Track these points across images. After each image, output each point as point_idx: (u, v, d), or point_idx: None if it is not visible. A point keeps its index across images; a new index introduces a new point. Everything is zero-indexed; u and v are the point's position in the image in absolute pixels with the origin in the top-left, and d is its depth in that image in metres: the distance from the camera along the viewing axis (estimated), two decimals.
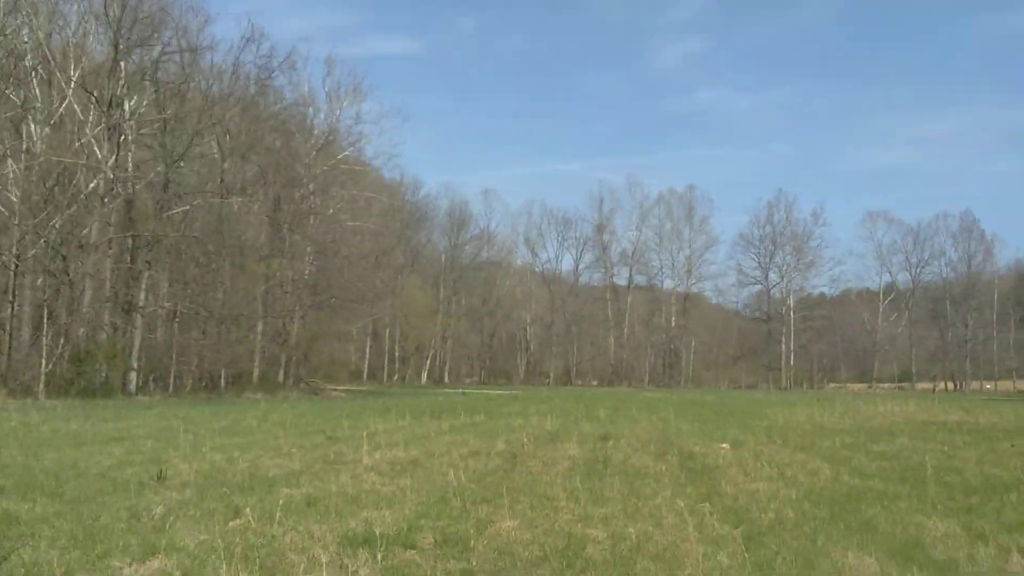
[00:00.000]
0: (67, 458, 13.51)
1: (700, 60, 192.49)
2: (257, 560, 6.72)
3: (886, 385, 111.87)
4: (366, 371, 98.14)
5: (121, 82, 47.25)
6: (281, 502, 8.90)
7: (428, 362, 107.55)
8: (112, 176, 46.05)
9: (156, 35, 49.78)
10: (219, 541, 7.29)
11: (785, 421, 28.53)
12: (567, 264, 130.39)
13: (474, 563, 6.84)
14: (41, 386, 40.61)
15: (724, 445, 18.56)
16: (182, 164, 52.01)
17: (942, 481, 12.86)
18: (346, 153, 72.91)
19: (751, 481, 12.54)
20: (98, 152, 46.06)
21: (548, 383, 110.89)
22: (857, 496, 11.35)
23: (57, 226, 43.80)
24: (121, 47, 46.77)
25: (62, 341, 43.38)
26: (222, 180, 55.69)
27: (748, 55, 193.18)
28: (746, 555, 7.44)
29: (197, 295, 52.41)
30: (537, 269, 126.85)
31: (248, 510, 8.26)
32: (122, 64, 47.30)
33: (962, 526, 9.15)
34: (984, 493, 11.82)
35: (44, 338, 41.99)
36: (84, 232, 45.71)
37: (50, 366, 41.88)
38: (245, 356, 57.58)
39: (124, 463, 12.96)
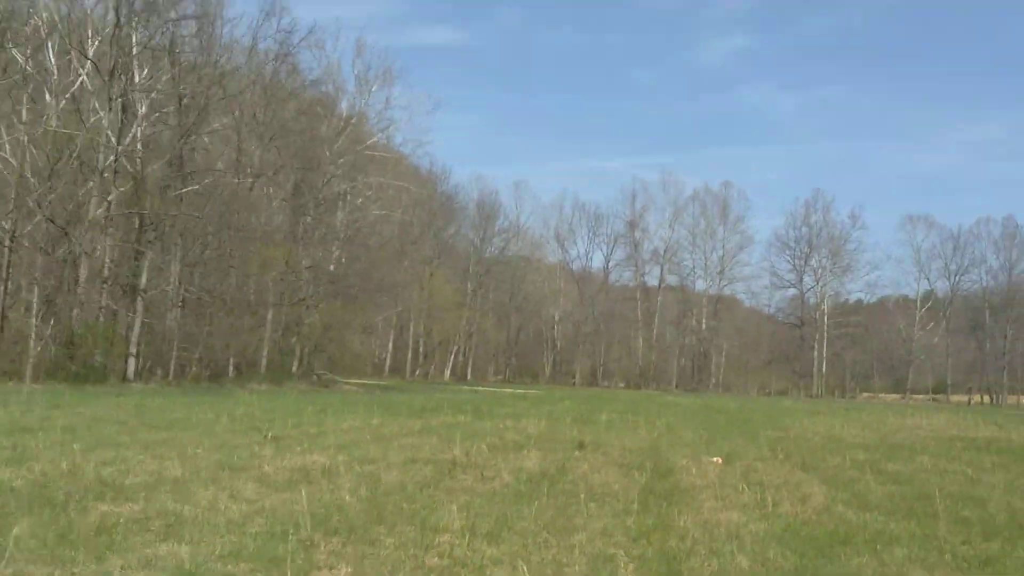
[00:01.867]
0: None
1: (745, 57, 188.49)
2: None
3: (920, 396, 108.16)
4: (388, 365, 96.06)
5: (133, 51, 45.51)
6: (19, 532, 6.70)
7: (452, 358, 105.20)
8: (117, 147, 44.16)
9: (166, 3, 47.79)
10: None
11: (800, 432, 26.05)
12: (597, 261, 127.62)
13: None
14: (29, 369, 39.01)
15: (716, 459, 16.32)
16: (204, 138, 50.29)
17: (958, 516, 10.52)
18: (375, 139, 70.96)
19: (721, 509, 10.24)
20: (105, 123, 44.27)
21: (574, 383, 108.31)
22: (845, 536, 9.02)
23: (54, 201, 42.11)
24: (123, 11, 44.79)
25: (52, 322, 41.72)
26: (238, 160, 53.82)
27: (794, 52, 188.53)
28: None
29: (207, 280, 50.57)
30: (567, 266, 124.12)
31: None
32: (133, 35, 45.57)
33: None
34: (1009, 535, 9.42)
35: (33, 319, 40.44)
36: (84, 209, 44.08)
37: (39, 349, 40.26)
38: (255, 345, 55.77)
39: None
